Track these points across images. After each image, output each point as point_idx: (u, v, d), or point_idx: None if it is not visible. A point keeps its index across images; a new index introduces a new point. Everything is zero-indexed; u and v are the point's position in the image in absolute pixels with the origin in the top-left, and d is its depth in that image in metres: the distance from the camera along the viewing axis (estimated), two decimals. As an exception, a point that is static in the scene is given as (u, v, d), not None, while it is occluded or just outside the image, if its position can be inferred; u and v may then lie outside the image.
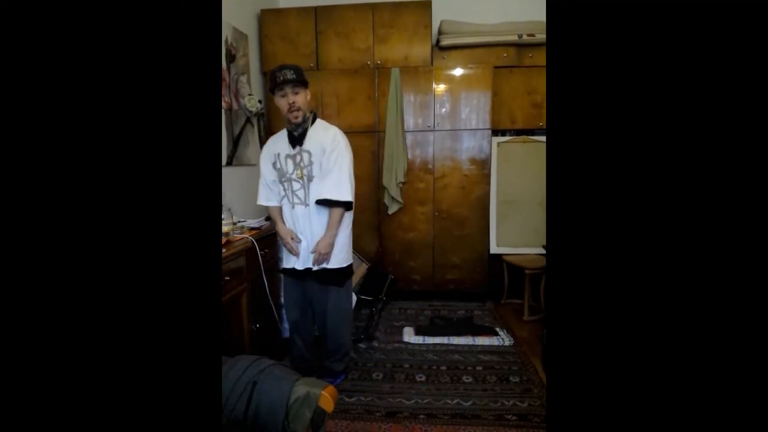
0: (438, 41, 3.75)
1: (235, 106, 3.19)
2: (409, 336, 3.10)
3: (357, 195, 3.73)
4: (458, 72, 3.62)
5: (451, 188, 3.72)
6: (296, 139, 2.24)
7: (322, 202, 2.20)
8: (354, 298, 2.95)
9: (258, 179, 2.42)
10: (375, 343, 3.01)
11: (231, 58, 3.14)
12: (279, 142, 2.31)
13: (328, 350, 2.47)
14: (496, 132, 3.77)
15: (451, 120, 3.66)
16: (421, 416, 2.17)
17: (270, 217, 2.45)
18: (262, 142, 3.61)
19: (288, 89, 2.14)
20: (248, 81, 3.44)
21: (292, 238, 2.30)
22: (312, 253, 2.26)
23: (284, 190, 2.28)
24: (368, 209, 3.71)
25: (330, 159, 2.19)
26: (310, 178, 2.22)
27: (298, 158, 2.23)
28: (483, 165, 3.68)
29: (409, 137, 3.69)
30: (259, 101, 3.48)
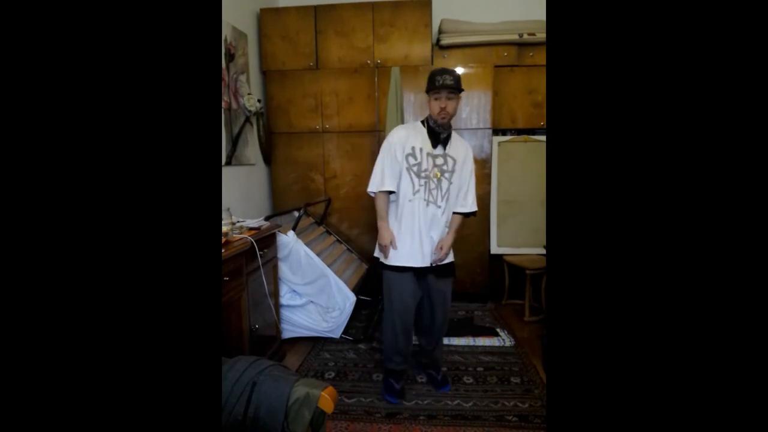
0: (438, 40, 3.74)
1: (234, 105, 3.18)
2: (410, 336, 3.09)
3: (356, 194, 3.78)
4: (459, 71, 3.58)
5: (452, 188, 3.71)
6: (441, 141, 2.25)
7: (464, 214, 2.37)
8: (353, 298, 2.94)
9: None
10: (375, 344, 3.00)
11: (230, 57, 3.13)
12: (416, 136, 2.27)
13: (437, 342, 2.50)
14: (496, 131, 3.76)
15: (452, 119, 3.64)
16: (421, 417, 2.16)
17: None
18: (262, 142, 3.61)
19: (444, 93, 2.16)
20: (247, 80, 3.42)
21: (392, 242, 2.31)
22: (437, 251, 2.32)
23: (419, 185, 2.25)
24: (368, 209, 3.69)
25: (465, 171, 2.32)
26: (450, 182, 2.27)
27: (440, 160, 2.26)
28: (483, 164, 3.67)
29: (409, 137, 3.67)
30: (258, 100, 3.47)
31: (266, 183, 3.85)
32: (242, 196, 3.32)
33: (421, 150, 2.23)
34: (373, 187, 2.31)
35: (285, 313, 2.93)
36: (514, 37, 3.60)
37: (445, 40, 3.68)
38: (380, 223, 2.33)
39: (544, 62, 3.55)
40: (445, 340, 3.00)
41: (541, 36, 3.59)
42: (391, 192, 2.30)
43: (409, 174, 2.24)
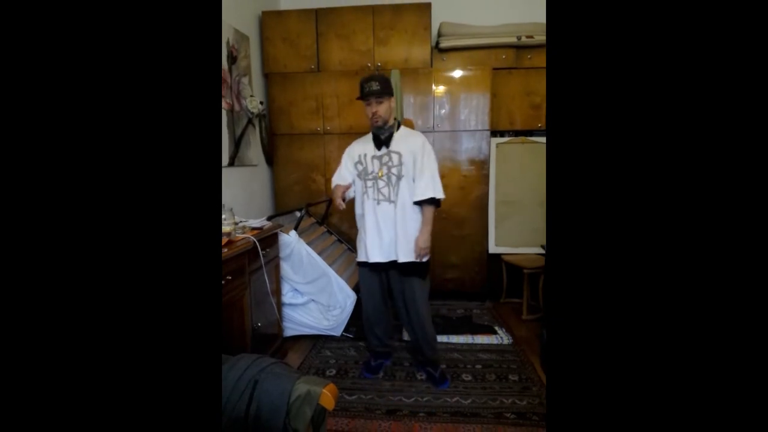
0: (437, 43, 3.76)
1: (236, 107, 3.21)
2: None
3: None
4: (457, 74, 3.64)
5: (451, 188, 3.74)
6: (383, 142, 2.43)
7: (423, 202, 2.38)
8: (354, 297, 2.98)
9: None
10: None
11: (232, 59, 3.16)
12: (365, 144, 2.50)
13: (418, 340, 2.56)
14: (495, 133, 3.79)
15: (451, 121, 3.68)
16: (421, 414, 2.19)
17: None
18: (264, 143, 3.65)
19: (372, 99, 2.34)
20: (250, 82, 3.46)
21: (341, 196, 2.46)
22: (414, 250, 2.41)
23: (366, 187, 2.44)
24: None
25: (423, 162, 2.38)
26: (399, 177, 2.39)
27: (385, 158, 2.42)
28: (482, 165, 3.70)
29: (409, 138, 3.70)
30: (261, 102, 3.50)
31: (268, 184, 3.88)
32: (245, 197, 3.35)
33: (365, 155, 2.46)
34: (333, 180, 2.57)
35: (287, 312, 2.97)
36: (513, 39, 3.63)
37: (445, 43, 3.70)
38: (335, 189, 2.52)
39: (542, 64, 3.59)
40: (444, 338, 3.04)
41: (539, 38, 3.61)
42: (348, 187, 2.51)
43: (361, 179, 2.47)
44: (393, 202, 2.40)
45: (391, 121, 2.43)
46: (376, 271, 2.51)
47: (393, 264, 2.45)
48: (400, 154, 2.39)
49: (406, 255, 2.41)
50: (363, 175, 2.45)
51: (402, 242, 2.40)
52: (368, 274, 2.54)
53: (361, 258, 2.54)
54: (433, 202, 2.39)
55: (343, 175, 2.55)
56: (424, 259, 2.44)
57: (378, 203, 2.42)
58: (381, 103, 2.34)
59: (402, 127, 2.48)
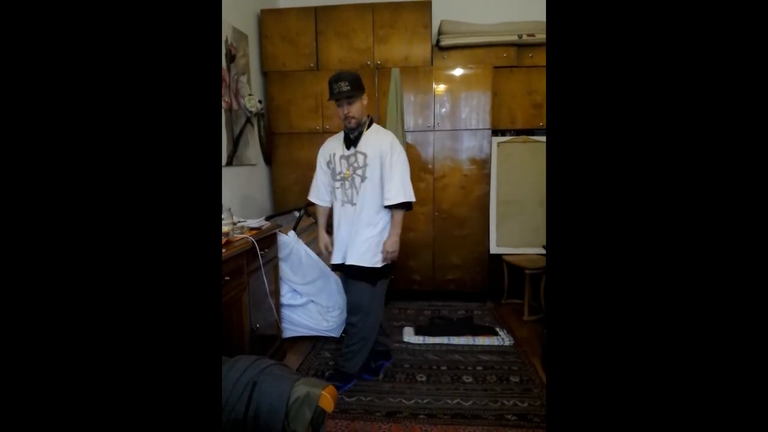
0: (438, 41, 3.75)
1: (235, 106, 3.19)
2: (409, 336, 3.11)
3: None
4: (458, 72, 3.62)
5: (451, 188, 3.73)
6: (352, 141, 2.36)
7: (395, 206, 2.30)
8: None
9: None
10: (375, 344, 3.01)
11: (231, 58, 3.14)
12: (336, 143, 2.44)
13: (346, 346, 2.49)
14: (496, 132, 3.77)
15: (451, 120, 3.66)
16: (421, 416, 2.17)
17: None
18: (263, 142, 3.62)
19: (343, 101, 2.26)
20: (248, 81, 3.44)
21: (326, 249, 2.50)
22: (381, 253, 2.36)
23: (335, 188, 2.42)
24: (368, 209, 3.71)
25: (392, 163, 2.29)
26: (362, 179, 2.32)
27: (352, 159, 2.35)
28: (483, 165, 3.68)
29: (410, 137, 3.69)
30: (259, 101, 3.48)
31: (267, 183, 3.86)
32: (243, 197, 3.33)
33: (334, 155, 2.40)
34: (310, 196, 2.55)
35: (286, 313, 2.95)
36: (514, 38, 3.62)
37: (445, 41, 3.69)
38: (317, 231, 2.57)
39: (544, 63, 3.56)
40: (445, 339, 3.02)
41: (541, 37, 3.60)
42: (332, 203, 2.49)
43: (332, 180, 2.43)
44: (355, 204, 2.35)
45: (364, 119, 2.35)
46: (342, 272, 2.50)
47: (344, 266, 2.41)
48: (365, 155, 2.32)
49: (353, 257, 2.35)
50: (333, 175, 2.42)
51: (351, 244, 2.35)
52: (341, 276, 2.56)
53: (331, 261, 2.54)
54: (404, 206, 2.32)
55: (319, 184, 2.49)
56: (379, 265, 2.36)
57: (342, 205, 2.40)
58: (352, 103, 2.26)
59: (373, 125, 2.40)
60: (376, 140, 2.33)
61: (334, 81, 2.24)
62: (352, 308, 2.45)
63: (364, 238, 2.34)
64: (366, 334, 2.43)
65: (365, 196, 2.33)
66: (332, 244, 2.49)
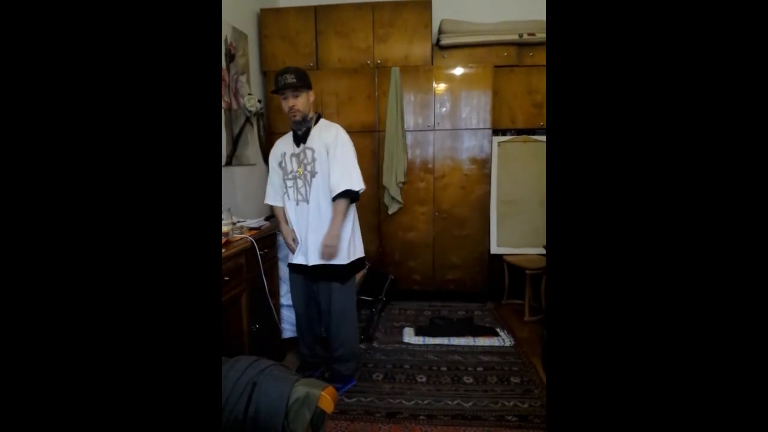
0: (438, 40, 3.74)
1: (234, 105, 3.18)
2: (410, 336, 3.10)
3: (357, 195, 3.78)
4: (458, 71, 3.61)
5: (452, 188, 3.72)
6: (300, 138, 2.33)
7: (340, 195, 2.23)
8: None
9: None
10: (375, 344, 3.00)
11: (230, 57, 3.13)
12: (286, 142, 2.41)
13: (333, 352, 2.45)
14: (496, 131, 3.76)
15: (452, 119, 3.65)
16: (422, 417, 2.16)
17: (274, 216, 2.47)
18: (262, 142, 3.61)
19: (288, 93, 2.23)
20: (248, 80, 3.43)
21: (294, 240, 2.40)
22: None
23: (287, 188, 2.37)
24: (368, 209, 3.70)
25: (336, 153, 2.26)
26: (312, 174, 2.29)
27: (301, 156, 2.31)
28: (483, 165, 3.68)
29: (410, 137, 3.68)
30: (259, 101, 3.47)
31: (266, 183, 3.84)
32: (243, 196, 3.32)
33: (284, 154, 2.37)
34: (267, 200, 2.51)
35: (285, 313, 2.93)
36: (514, 37, 3.61)
37: (445, 41, 3.68)
38: (280, 228, 2.50)
39: (544, 62, 3.55)
40: (446, 340, 3.01)
41: (541, 36, 3.59)
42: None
43: (283, 180, 2.39)
44: (308, 201, 2.31)
45: (311, 115, 2.33)
46: (298, 273, 2.42)
47: (314, 269, 2.34)
48: (313, 150, 2.29)
49: (317, 257, 2.30)
50: (284, 175, 2.38)
51: (313, 243, 2.30)
52: (293, 277, 2.47)
53: (289, 260, 2.49)
54: (347, 194, 2.24)
55: (275, 186, 2.46)
56: (344, 262, 2.32)
57: (297, 204, 2.35)
58: (298, 96, 2.23)
59: (321, 120, 2.37)
60: (323, 133, 2.31)
61: (279, 74, 2.23)
62: (335, 317, 2.37)
63: (324, 235, 2.28)
64: (352, 339, 2.47)
65: (318, 191, 2.29)
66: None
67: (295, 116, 2.25)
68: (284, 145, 2.40)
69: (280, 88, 2.22)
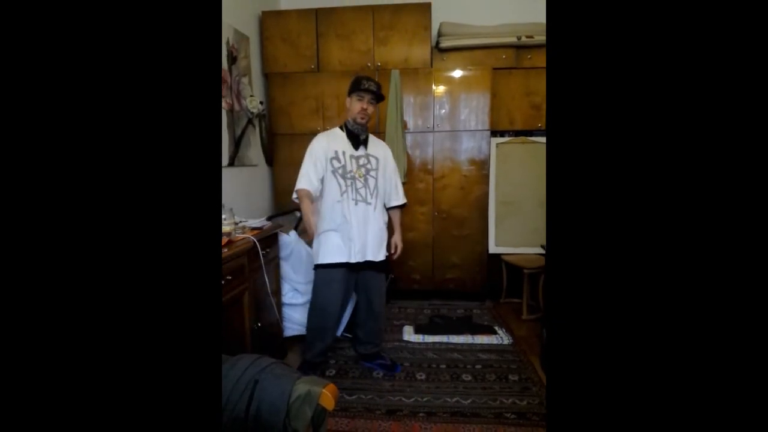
0: (438, 43, 3.77)
1: (236, 107, 3.21)
2: (409, 335, 3.13)
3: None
4: (457, 73, 3.64)
5: (451, 189, 3.75)
6: (361, 143, 2.48)
7: (397, 207, 2.64)
8: (354, 296, 2.97)
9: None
10: (375, 342, 3.03)
11: (232, 59, 3.16)
12: (337, 140, 2.47)
13: (374, 332, 2.66)
14: (495, 133, 3.79)
15: (451, 121, 3.68)
16: (421, 414, 2.19)
17: (299, 198, 2.37)
18: (264, 143, 3.64)
19: (368, 97, 2.39)
20: (250, 82, 3.46)
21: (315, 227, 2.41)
22: (393, 251, 2.66)
23: (346, 186, 2.43)
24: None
25: (389, 169, 2.56)
26: (376, 180, 2.49)
27: (363, 160, 2.47)
28: (482, 165, 3.71)
29: (409, 138, 3.71)
30: (261, 102, 3.50)
31: (268, 184, 3.88)
32: (245, 197, 3.35)
33: (344, 153, 2.44)
34: (302, 185, 2.37)
35: (287, 312, 2.96)
36: (513, 39, 3.63)
37: (445, 43, 3.71)
38: (303, 207, 2.33)
39: (543, 64, 3.58)
40: (445, 338, 3.05)
41: (539, 38, 3.61)
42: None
43: (335, 177, 2.42)
44: (370, 203, 2.45)
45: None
46: (353, 271, 2.50)
47: (367, 263, 2.49)
48: (377, 159, 2.49)
49: (379, 253, 2.52)
50: (342, 172, 2.42)
51: (377, 242, 2.50)
52: (340, 277, 2.46)
53: (335, 259, 2.44)
54: (404, 206, 2.67)
55: (317, 174, 2.38)
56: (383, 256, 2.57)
57: (356, 204, 2.43)
58: (373, 104, 2.42)
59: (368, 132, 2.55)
60: (380, 146, 2.56)
61: (364, 79, 2.40)
62: (375, 299, 2.59)
63: (382, 234, 2.53)
64: (383, 313, 2.71)
65: (378, 196, 2.48)
66: (338, 246, 2.44)
67: (363, 119, 2.41)
68: (337, 142, 2.45)
69: (364, 90, 2.36)
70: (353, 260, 2.45)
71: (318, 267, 2.51)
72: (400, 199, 2.63)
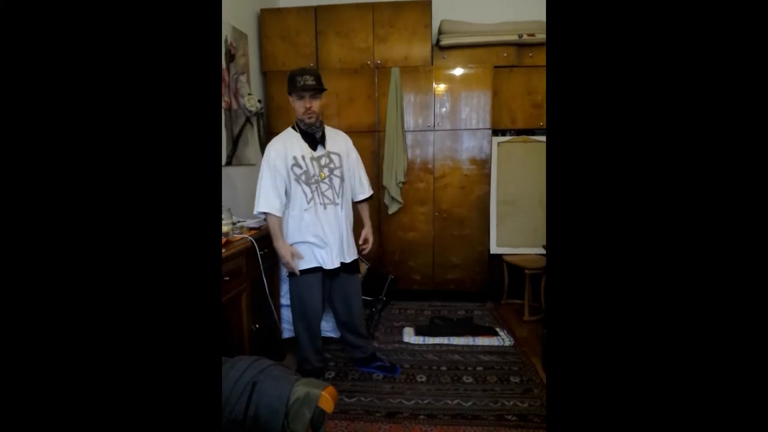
0: (438, 41, 3.75)
1: (234, 105, 3.19)
2: (409, 336, 3.10)
3: (356, 194, 3.78)
4: (458, 72, 3.62)
5: (451, 188, 3.72)
6: (318, 141, 2.34)
7: (364, 200, 2.57)
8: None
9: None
10: (375, 344, 3.00)
11: (231, 57, 3.14)
12: (293, 143, 2.31)
13: (359, 334, 2.62)
14: (496, 132, 3.76)
15: (451, 120, 3.66)
16: (421, 417, 2.17)
17: (271, 230, 2.30)
18: (262, 142, 3.61)
19: (308, 94, 2.23)
20: (248, 80, 3.43)
21: (292, 255, 2.31)
22: (362, 245, 2.58)
23: (312, 192, 2.30)
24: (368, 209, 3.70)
25: (352, 161, 2.47)
26: (341, 179, 2.38)
27: (325, 160, 2.34)
28: (483, 165, 3.68)
29: (409, 137, 3.69)
30: (259, 101, 3.48)
31: (267, 183, 3.85)
32: (243, 196, 3.32)
33: (303, 157, 2.29)
34: (263, 208, 2.26)
35: (285, 313, 2.93)
36: (514, 37, 3.61)
37: (445, 41, 3.68)
38: (277, 243, 2.29)
39: (544, 63, 3.55)
40: (445, 340, 3.02)
41: (541, 37, 3.59)
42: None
43: (300, 184, 2.29)
44: (337, 204, 2.36)
45: (320, 118, 2.37)
46: (328, 277, 2.42)
47: (342, 266, 2.43)
48: (339, 155, 2.38)
49: (351, 254, 2.48)
50: (305, 179, 2.28)
51: (348, 243, 2.44)
52: (312, 281, 2.38)
53: (311, 264, 2.36)
54: (371, 197, 2.61)
55: (278, 189, 2.25)
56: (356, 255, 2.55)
57: (324, 207, 2.32)
58: (316, 98, 2.25)
59: (324, 124, 2.41)
60: (339, 139, 2.45)
61: (298, 74, 2.22)
62: (351, 302, 2.53)
63: (350, 233, 2.49)
64: (362, 315, 2.66)
65: (344, 194, 2.41)
66: (312, 252, 2.36)
67: (311, 118, 2.26)
68: (293, 146, 2.29)
69: (303, 89, 2.21)
70: (329, 267, 2.37)
71: (294, 276, 2.38)
72: (365, 191, 2.56)
